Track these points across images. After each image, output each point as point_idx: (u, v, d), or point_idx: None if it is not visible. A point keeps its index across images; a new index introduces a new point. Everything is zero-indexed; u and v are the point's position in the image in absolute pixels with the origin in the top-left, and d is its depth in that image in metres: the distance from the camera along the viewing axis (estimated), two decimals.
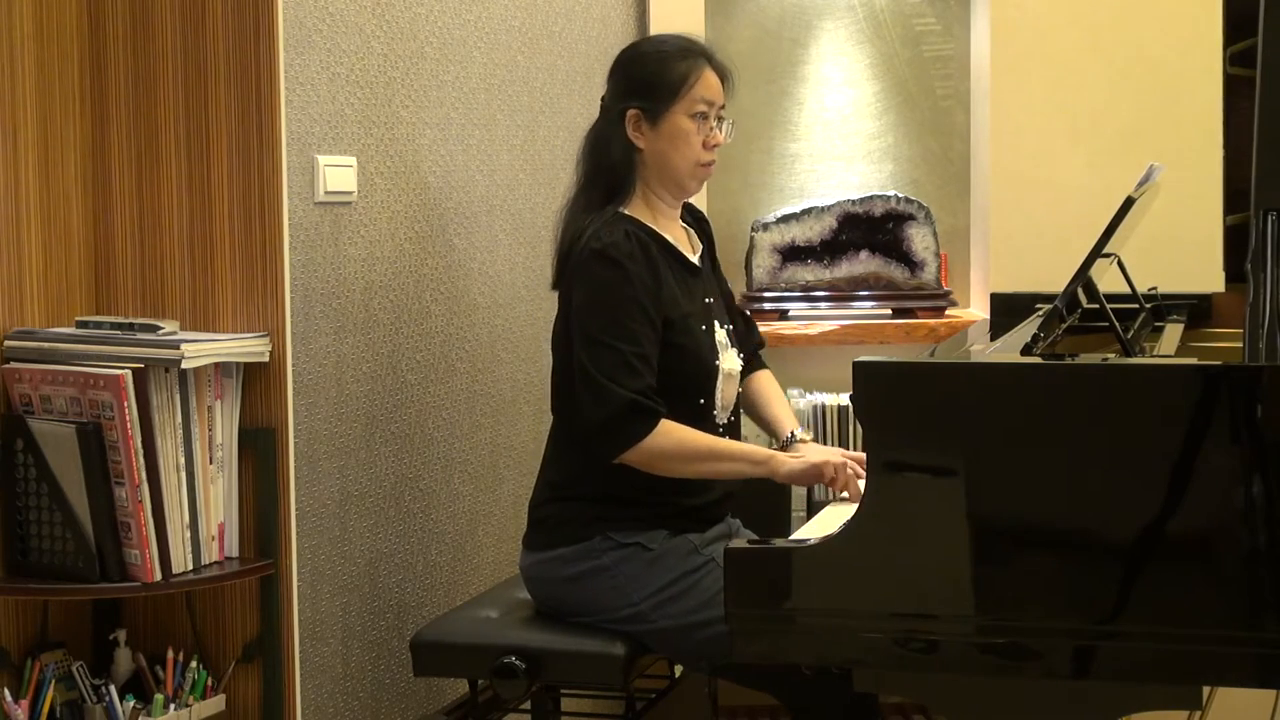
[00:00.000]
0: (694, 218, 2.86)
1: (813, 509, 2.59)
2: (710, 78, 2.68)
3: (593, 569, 2.61)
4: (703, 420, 2.65)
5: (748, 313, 3.01)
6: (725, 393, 2.70)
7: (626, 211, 2.67)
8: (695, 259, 2.76)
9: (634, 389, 2.51)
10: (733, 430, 2.77)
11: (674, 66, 2.66)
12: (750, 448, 2.64)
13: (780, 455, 2.62)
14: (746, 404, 2.93)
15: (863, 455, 2.52)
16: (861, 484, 2.52)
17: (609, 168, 2.68)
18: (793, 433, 2.82)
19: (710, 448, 2.59)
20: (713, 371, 2.67)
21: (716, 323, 2.73)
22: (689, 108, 2.66)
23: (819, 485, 2.71)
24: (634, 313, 2.55)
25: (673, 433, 2.55)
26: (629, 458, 2.54)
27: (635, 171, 2.69)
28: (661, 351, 2.59)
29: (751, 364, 2.92)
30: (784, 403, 2.92)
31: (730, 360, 2.72)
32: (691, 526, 2.65)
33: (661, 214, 2.73)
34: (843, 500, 2.57)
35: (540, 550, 2.67)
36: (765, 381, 2.95)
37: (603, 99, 2.74)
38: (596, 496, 2.62)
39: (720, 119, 2.71)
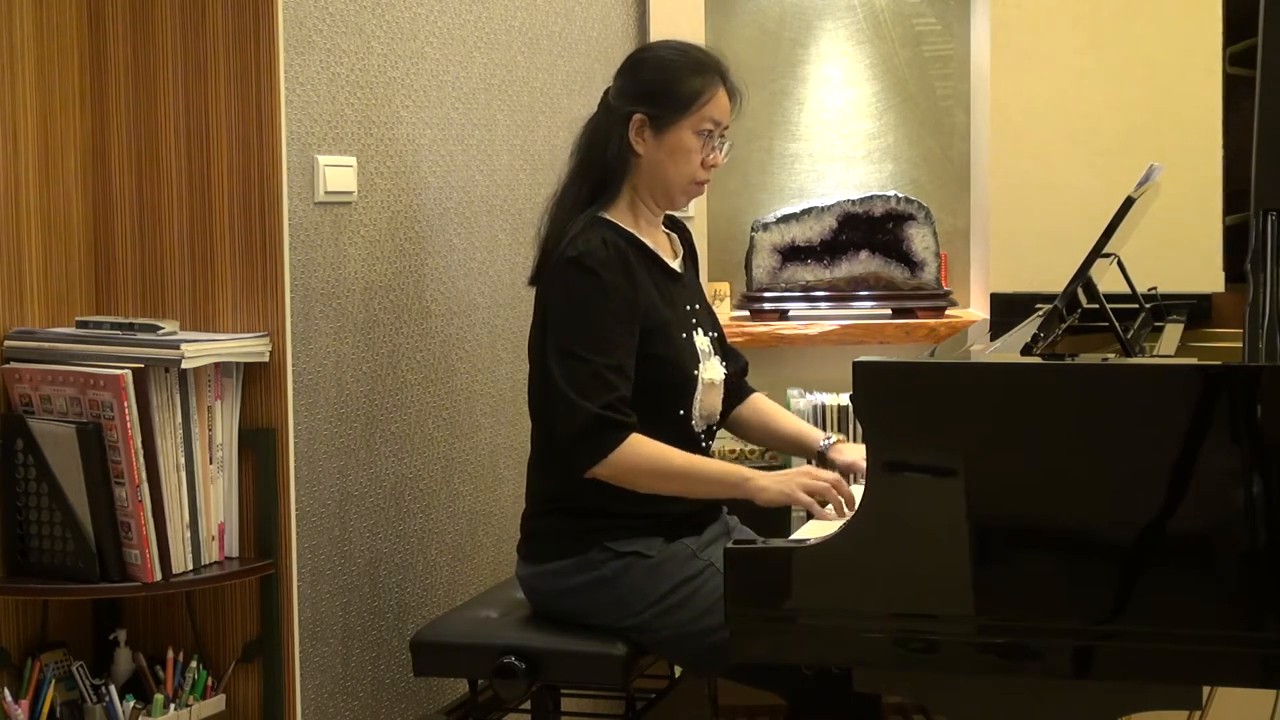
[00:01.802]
0: (674, 226, 2.83)
1: None
2: (722, 97, 2.65)
3: (593, 581, 2.59)
4: (680, 430, 2.62)
5: (727, 340, 2.97)
6: (705, 402, 2.67)
7: (608, 215, 2.64)
8: (676, 264, 2.73)
9: (602, 403, 2.47)
10: (710, 438, 2.74)
11: (689, 80, 2.63)
12: (727, 468, 2.57)
13: (758, 478, 2.51)
14: (751, 428, 2.90)
15: (836, 476, 2.55)
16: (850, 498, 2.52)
17: (602, 165, 2.64)
18: (830, 436, 2.81)
19: (686, 466, 2.53)
20: (691, 380, 2.63)
21: (700, 330, 2.70)
22: (696, 124, 2.62)
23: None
24: (608, 322, 2.52)
25: (644, 449, 2.51)
26: (599, 472, 2.50)
27: (626, 175, 2.65)
28: (638, 362, 2.55)
29: (741, 390, 2.89)
30: (794, 416, 2.91)
31: (712, 369, 2.69)
32: (686, 531, 2.63)
33: (644, 219, 2.69)
34: (825, 518, 2.48)
35: (537, 563, 2.65)
36: (766, 402, 2.92)
37: (607, 93, 2.71)
38: (588, 509, 2.59)
39: (722, 139, 2.68)
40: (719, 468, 2.57)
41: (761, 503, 2.52)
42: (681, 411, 2.63)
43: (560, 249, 2.58)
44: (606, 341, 2.51)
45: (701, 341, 2.69)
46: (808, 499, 2.49)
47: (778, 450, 2.98)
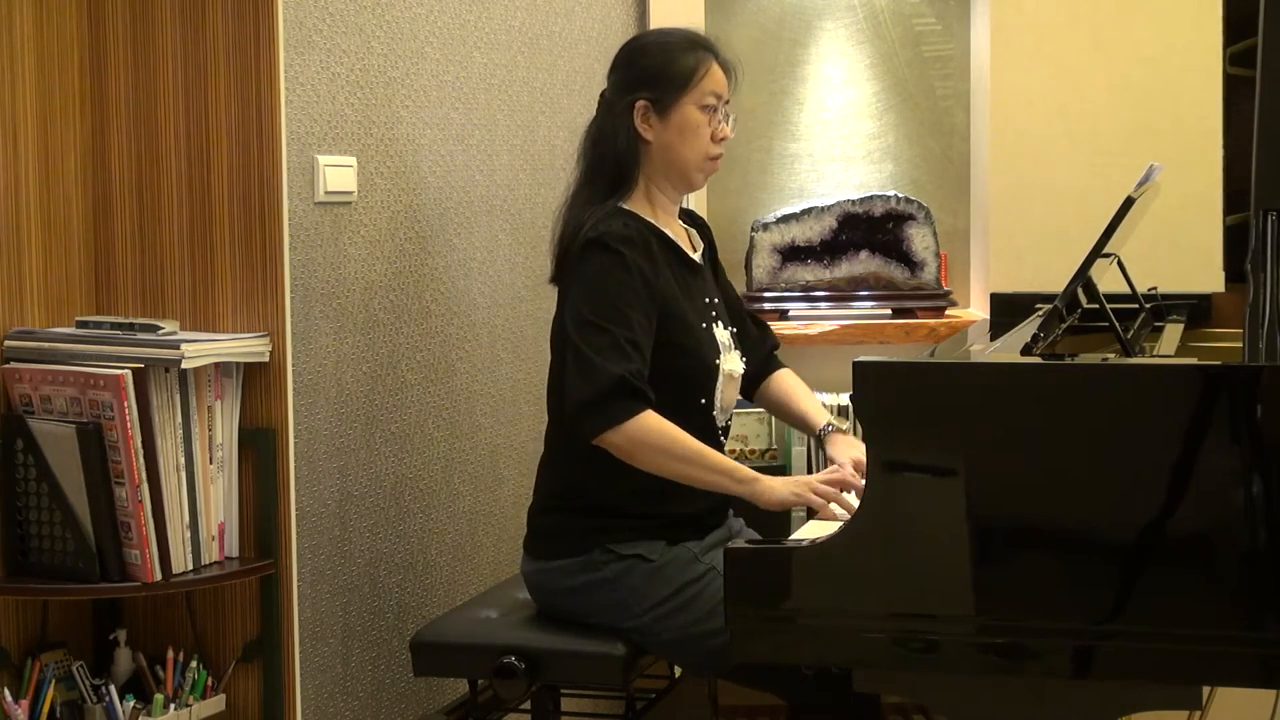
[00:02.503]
0: (693, 221, 2.85)
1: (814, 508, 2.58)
2: (717, 71, 2.67)
3: (595, 581, 2.59)
4: (704, 421, 2.63)
5: (759, 317, 3.00)
6: (725, 394, 2.68)
7: (627, 206, 2.65)
8: (696, 256, 2.75)
9: (624, 369, 2.46)
10: (726, 434, 2.75)
11: (682, 58, 2.65)
12: (736, 465, 2.55)
13: (766, 480, 2.51)
14: (772, 404, 2.92)
15: (839, 475, 2.56)
16: (851, 499, 2.52)
17: (614, 159, 2.65)
18: (829, 425, 2.80)
19: (697, 452, 2.51)
20: (713, 370, 2.64)
21: (720, 323, 2.72)
22: (699, 99, 2.64)
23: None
24: (628, 298, 2.51)
25: (659, 425, 2.49)
26: (610, 439, 2.47)
27: (639, 164, 2.66)
28: (659, 350, 2.55)
29: (769, 364, 2.91)
30: (811, 396, 2.90)
31: (732, 361, 2.70)
32: (689, 535, 2.63)
33: (662, 209, 2.71)
34: (828, 518, 2.49)
35: (541, 559, 2.66)
36: (789, 378, 2.92)
37: (603, 93, 2.72)
38: (594, 508, 2.60)
39: (726, 111, 2.70)
40: (729, 463, 2.55)
41: (766, 504, 2.51)
42: (704, 401, 2.64)
43: (581, 234, 2.57)
44: (626, 316, 2.51)
45: (722, 334, 2.70)
46: (819, 500, 2.50)
47: (788, 424, 2.99)
